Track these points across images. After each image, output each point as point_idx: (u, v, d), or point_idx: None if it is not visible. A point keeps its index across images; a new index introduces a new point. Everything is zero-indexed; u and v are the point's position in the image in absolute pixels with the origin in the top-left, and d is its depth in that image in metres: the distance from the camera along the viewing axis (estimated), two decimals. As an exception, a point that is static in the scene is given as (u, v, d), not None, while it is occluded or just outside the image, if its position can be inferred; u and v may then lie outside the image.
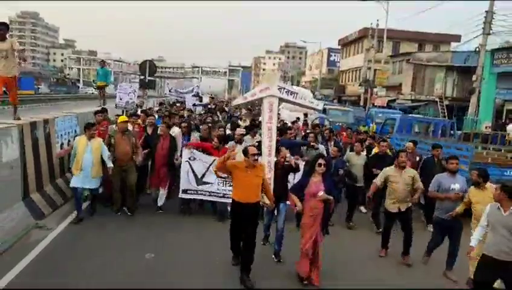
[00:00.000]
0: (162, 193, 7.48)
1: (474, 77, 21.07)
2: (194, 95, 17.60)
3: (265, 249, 6.10)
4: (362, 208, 8.65)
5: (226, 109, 15.96)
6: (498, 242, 4.40)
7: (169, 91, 19.36)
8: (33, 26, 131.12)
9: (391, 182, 6.22)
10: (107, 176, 7.23)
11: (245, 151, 5.21)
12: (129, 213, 7.23)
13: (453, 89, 25.77)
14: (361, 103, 35.11)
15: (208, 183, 7.26)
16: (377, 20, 34.80)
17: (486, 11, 20.98)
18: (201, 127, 8.81)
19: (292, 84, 63.92)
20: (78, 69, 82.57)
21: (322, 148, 8.25)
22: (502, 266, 4.41)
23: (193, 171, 7.28)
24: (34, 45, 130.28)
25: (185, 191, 7.33)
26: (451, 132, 14.60)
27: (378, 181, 6.40)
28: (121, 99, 12.55)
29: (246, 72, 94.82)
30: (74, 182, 6.79)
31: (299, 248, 5.28)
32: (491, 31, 20.80)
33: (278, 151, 6.44)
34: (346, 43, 49.06)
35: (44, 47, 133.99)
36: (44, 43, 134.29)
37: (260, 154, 6.33)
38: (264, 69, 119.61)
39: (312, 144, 8.19)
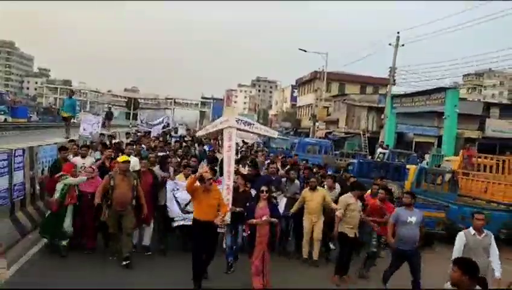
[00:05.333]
0: (148, 230, 7.29)
1: (382, 116, 27.99)
2: (164, 126, 18.69)
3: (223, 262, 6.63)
4: (331, 245, 8.39)
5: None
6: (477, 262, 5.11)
7: (141, 122, 20.16)
8: (8, 55, 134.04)
9: (351, 210, 6.69)
10: (84, 218, 6.96)
11: (201, 179, 5.94)
12: (127, 267, 6.47)
13: (372, 124, 32.71)
14: (310, 135, 41.65)
15: (190, 212, 7.00)
16: (323, 66, 42.07)
17: (390, 67, 28.13)
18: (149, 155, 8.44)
19: (259, 117, 70.49)
20: (55, 98, 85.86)
21: (297, 183, 8.47)
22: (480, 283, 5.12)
23: (177, 201, 7.31)
24: (8, 73, 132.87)
25: (172, 219, 7.32)
26: (332, 151, 20.99)
27: (339, 213, 6.81)
28: (84, 129, 12.39)
29: (218, 104, 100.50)
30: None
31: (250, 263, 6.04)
32: (394, 82, 27.94)
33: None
34: (301, 83, 56.35)
35: (19, 76, 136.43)
36: (18, 72, 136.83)
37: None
38: (235, 102, 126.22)
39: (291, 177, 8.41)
